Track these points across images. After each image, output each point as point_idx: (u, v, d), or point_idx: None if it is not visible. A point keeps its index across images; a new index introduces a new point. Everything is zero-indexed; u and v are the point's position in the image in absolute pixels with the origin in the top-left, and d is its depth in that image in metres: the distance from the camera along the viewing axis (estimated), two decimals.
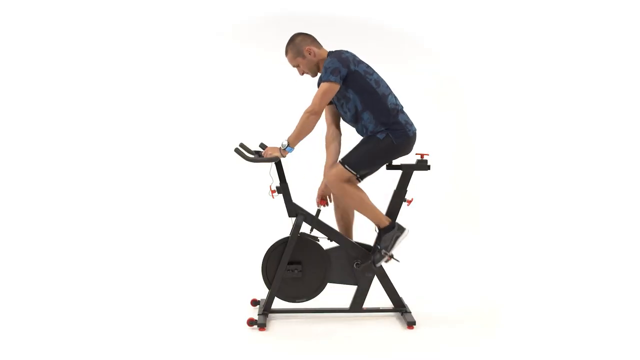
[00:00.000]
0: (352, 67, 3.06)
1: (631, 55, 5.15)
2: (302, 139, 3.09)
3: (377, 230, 3.23)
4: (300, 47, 3.16)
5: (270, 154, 3.09)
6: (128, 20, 5.19)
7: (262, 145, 3.25)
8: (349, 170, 3.11)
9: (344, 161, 3.12)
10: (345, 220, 3.38)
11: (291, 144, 3.07)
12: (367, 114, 3.13)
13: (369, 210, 3.19)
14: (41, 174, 5.04)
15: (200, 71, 5.30)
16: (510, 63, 5.30)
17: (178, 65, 5.28)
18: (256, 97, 5.29)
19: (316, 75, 3.24)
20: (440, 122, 5.29)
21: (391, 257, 3.21)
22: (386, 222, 3.20)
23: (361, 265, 3.25)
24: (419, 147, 3.34)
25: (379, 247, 3.18)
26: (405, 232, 3.22)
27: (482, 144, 5.38)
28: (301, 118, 3.06)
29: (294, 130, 3.07)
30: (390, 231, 3.19)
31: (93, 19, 5.16)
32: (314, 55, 3.16)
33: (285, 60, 3.29)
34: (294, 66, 3.25)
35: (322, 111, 3.07)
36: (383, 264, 3.23)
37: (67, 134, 5.13)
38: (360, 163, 3.12)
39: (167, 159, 5.21)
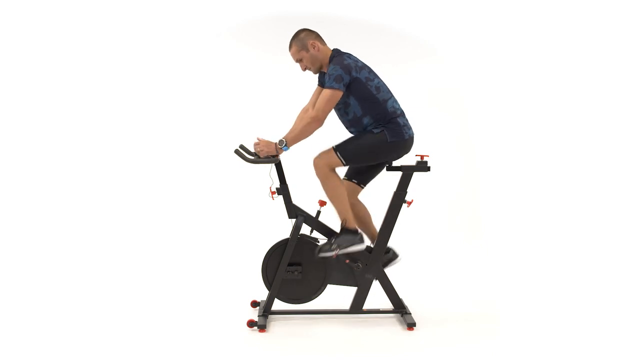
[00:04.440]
0: (353, 73, 3.08)
1: (632, 61, 5.13)
2: (299, 141, 3.10)
3: (341, 226, 3.21)
4: (305, 41, 3.17)
5: (267, 151, 3.07)
6: (127, 22, 5.18)
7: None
8: (339, 158, 3.12)
9: (337, 148, 3.13)
10: (362, 220, 3.36)
11: (289, 144, 3.08)
12: (368, 118, 3.16)
13: (343, 205, 3.17)
14: (41, 175, 5.03)
15: (199, 73, 5.29)
16: (513, 65, 5.28)
17: (177, 67, 5.27)
18: (255, 99, 5.29)
19: (318, 72, 3.26)
20: (441, 123, 5.28)
21: (337, 255, 3.20)
22: (353, 225, 3.21)
23: (320, 247, 3.20)
24: (419, 149, 3.34)
25: (333, 241, 3.17)
26: (363, 245, 3.23)
27: (484, 145, 5.38)
28: (303, 121, 3.08)
29: (294, 131, 3.08)
30: (351, 234, 3.19)
31: (92, 20, 5.15)
32: (318, 50, 3.17)
33: (284, 60, 3.30)
34: (296, 61, 3.24)
35: (325, 118, 3.08)
36: (328, 255, 3.16)
37: (66, 135, 5.12)
38: (353, 154, 3.13)
39: (167, 161, 5.20)
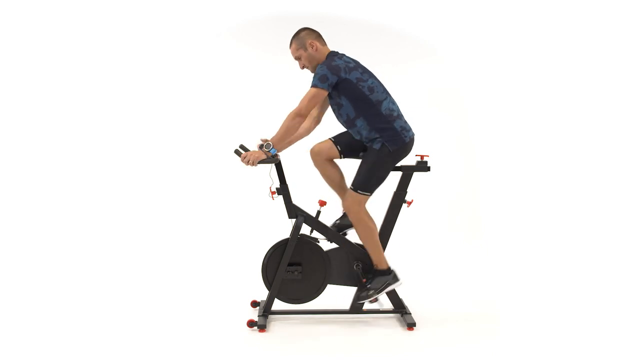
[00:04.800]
0: (342, 74, 3.08)
1: (632, 61, 5.12)
2: (285, 140, 3.11)
3: (373, 270, 3.25)
4: (304, 40, 3.20)
5: (257, 157, 3.02)
6: (127, 22, 5.18)
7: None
8: (364, 195, 3.15)
9: (356, 187, 3.15)
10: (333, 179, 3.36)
11: (275, 145, 3.07)
12: (361, 120, 3.14)
13: (375, 248, 3.22)
14: (41, 176, 5.03)
15: (199, 73, 5.30)
16: (513, 65, 5.28)
17: (177, 67, 5.27)
18: (256, 98, 5.29)
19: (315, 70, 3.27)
20: (441, 123, 5.28)
21: (377, 299, 3.29)
22: (385, 265, 3.24)
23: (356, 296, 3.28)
24: (419, 149, 3.34)
25: (368, 287, 3.22)
26: (399, 282, 3.26)
27: (484, 145, 5.37)
28: (286, 119, 3.08)
29: (278, 131, 3.08)
30: (384, 275, 3.23)
31: (92, 20, 5.15)
32: (316, 50, 3.19)
33: (284, 60, 3.31)
34: (295, 58, 3.27)
35: (307, 114, 3.10)
36: (367, 303, 3.29)
37: (65, 135, 5.12)
38: (370, 183, 3.15)
39: (166, 161, 5.20)
